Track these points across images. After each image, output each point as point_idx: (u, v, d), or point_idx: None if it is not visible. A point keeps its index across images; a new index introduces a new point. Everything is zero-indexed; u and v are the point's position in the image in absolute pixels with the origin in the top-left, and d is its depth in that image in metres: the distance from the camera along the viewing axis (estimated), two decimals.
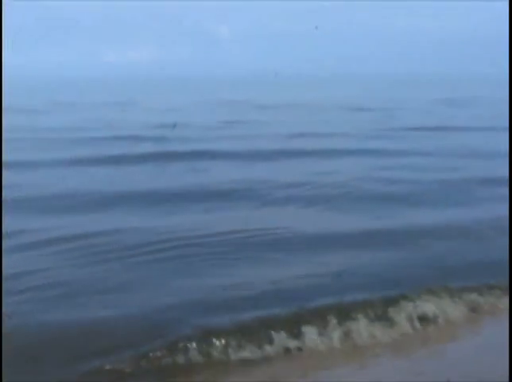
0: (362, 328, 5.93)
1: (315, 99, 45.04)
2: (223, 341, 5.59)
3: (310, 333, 5.78)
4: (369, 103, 39.04)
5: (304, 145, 18.29)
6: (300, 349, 5.64)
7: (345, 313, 6.05)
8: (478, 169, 14.17)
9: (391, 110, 33.13)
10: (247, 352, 5.56)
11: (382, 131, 22.39)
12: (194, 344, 5.52)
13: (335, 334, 5.81)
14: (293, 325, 5.83)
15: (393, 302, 6.32)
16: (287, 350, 5.62)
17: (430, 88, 67.44)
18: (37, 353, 5.50)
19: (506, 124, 19.70)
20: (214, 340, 5.58)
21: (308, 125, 24.86)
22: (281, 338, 5.71)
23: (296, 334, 5.76)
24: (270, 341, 5.66)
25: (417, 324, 6.10)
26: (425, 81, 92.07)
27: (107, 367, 5.24)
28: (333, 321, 5.93)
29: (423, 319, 6.16)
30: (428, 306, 6.29)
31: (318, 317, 5.97)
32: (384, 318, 6.10)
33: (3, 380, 4.88)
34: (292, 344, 5.67)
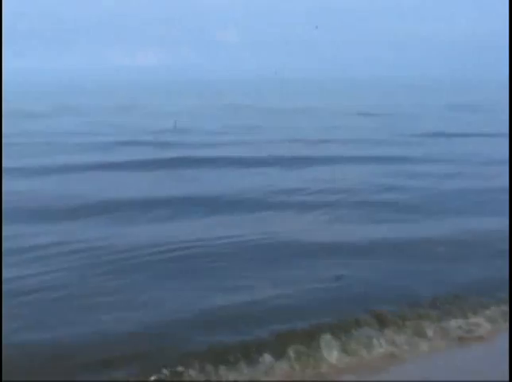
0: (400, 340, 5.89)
1: (323, 103, 44.77)
2: (236, 357, 5.36)
3: (330, 345, 5.68)
4: (379, 108, 38.61)
5: (311, 151, 18.12)
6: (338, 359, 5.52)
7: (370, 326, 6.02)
8: (493, 176, 13.80)
9: (401, 115, 32.74)
10: (262, 369, 5.33)
11: (391, 137, 22.07)
12: (204, 360, 5.28)
13: (354, 346, 5.73)
14: (311, 338, 5.72)
15: (415, 316, 6.27)
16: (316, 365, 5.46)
17: (441, 92, 66.98)
18: (37, 362, 5.30)
19: None
20: (225, 356, 5.35)
21: (317, 131, 24.59)
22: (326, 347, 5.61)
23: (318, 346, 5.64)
24: (299, 356, 5.50)
25: (444, 337, 6.05)
26: (435, 85, 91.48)
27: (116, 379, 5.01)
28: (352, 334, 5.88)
29: (447, 333, 6.11)
30: (451, 321, 6.25)
31: (337, 329, 5.87)
32: (410, 333, 6.04)
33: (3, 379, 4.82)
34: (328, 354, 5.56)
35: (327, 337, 5.70)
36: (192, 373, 5.16)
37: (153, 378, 5.07)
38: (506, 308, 6.47)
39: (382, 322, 6.07)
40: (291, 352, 5.50)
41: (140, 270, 7.44)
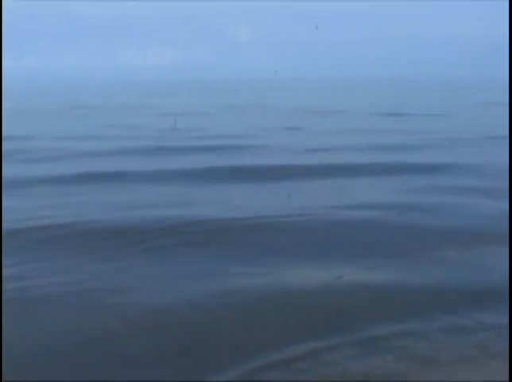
0: None
1: (347, 104, 42.46)
2: None
3: None
4: (404, 107, 36.40)
5: (339, 159, 15.40)
6: None
7: None
8: None
9: (436, 116, 30.41)
10: None
11: (425, 141, 19.70)
12: None
13: None
14: None
15: None
16: None
17: (466, 91, 64.81)
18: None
19: None
20: None
21: (345, 134, 22.26)
22: None
23: None
24: None
25: None
26: (455, 84, 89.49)
27: None
28: None
29: None
30: None
31: None
32: None
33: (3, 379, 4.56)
34: None
35: None
36: None
37: None
38: None
39: None
40: None
41: None
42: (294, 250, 7.50)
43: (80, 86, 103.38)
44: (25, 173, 13.24)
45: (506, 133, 19.53)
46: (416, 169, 13.59)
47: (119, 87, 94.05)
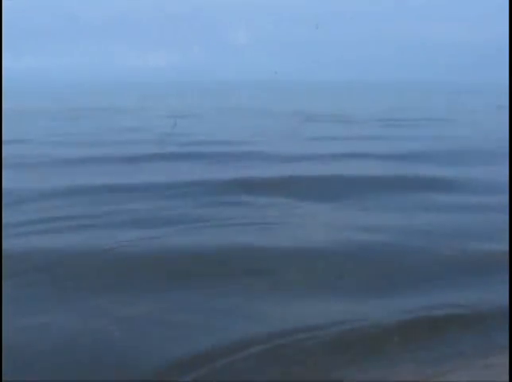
0: None
1: (347, 108, 41.93)
2: None
3: None
4: (406, 113, 35.90)
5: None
6: None
7: None
8: None
9: (434, 121, 29.98)
10: None
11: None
12: None
13: None
14: None
15: None
16: None
17: (480, 95, 64.34)
18: None
19: None
20: None
21: (345, 140, 21.60)
22: None
23: None
24: None
25: None
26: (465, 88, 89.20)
27: None
28: None
29: None
30: None
31: None
32: None
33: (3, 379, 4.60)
34: None
35: None
36: None
37: None
38: None
39: None
40: None
41: None
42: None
43: (79, 87, 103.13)
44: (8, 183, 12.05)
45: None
46: (418, 183, 12.48)
47: (118, 89, 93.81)
